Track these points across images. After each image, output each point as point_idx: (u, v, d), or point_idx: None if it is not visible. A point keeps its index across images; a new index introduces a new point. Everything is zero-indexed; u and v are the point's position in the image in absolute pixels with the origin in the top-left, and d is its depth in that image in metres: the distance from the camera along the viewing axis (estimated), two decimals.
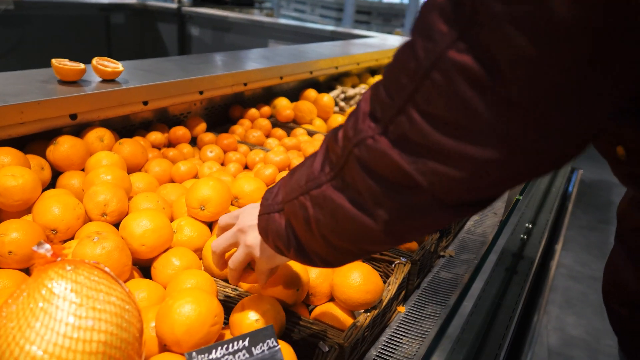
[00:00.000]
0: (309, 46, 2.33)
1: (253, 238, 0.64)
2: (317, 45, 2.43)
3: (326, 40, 3.00)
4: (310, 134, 1.66)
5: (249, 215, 0.65)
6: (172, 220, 0.94)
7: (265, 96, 1.87)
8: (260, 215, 0.60)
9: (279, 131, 1.63)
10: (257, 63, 1.79)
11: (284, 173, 1.15)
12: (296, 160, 1.28)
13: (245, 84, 1.60)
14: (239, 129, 1.59)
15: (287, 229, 0.56)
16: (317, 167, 0.51)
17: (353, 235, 0.49)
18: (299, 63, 1.86)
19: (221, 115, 1.71)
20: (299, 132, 1.64)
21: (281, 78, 1.78)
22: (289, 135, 1.66)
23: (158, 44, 3.68)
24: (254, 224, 0.63)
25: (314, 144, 1.54)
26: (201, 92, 1.43)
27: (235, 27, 3.39)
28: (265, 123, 1.63)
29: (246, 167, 1.37)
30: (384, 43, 2.76)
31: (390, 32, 4.00)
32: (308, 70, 1.93)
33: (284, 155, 1.23)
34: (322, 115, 1.85)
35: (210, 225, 0.93)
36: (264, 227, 0.59)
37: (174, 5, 3.61)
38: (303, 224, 0.53)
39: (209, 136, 1.44)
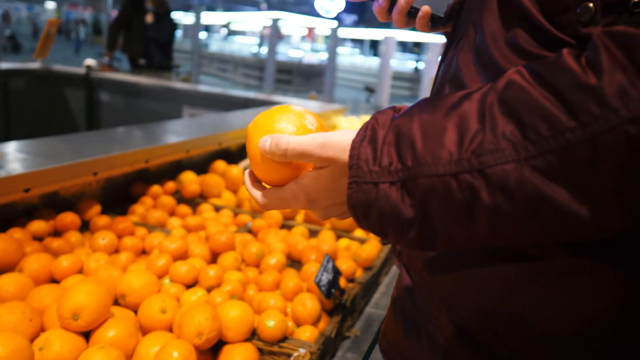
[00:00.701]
0: (219, 116, 2.31)
1: (326, 209, 0.51)
2: (228, 114, 2.41)
3: (241, 107, 3.00)
4: (217, 209, 1.61)
5: (332, 175, 0.47)
6: (43, 331, 0.84)
7: (172, 170, 1.81)
8: (352, 182, 0.44)
9: (184, 208, 1.56)
10: (162, 137, 1.73)
11: (180, 264, 1.08)
12: (195, 247, 1.21)
13: (147, 161, 1.54)
14: (139, 208, 1.51)
15: (407, 208, 0.42)
16: (496, 131, 0.37)
17: (553, 232, 0.38)
18: (207, 136, 1.82)
19: (121, 193, 1.62)
20: (205, 208, 1.58)
21: (187, 151, 1.73)
22: (194, 211, 1.59)
23: (64, 112, 3.52)
24: (334, 199, 0.49)
25: (220, 220, 1.49)
26: (95, 174, 1.34)
27: (148, 93, 3.33)
28: (169, 200, 1.56)
29: (145, 252, 1.29)
30: None
31: (311, 90, 4.10)
32: (217, 142, 1.89)
33: (179, 243, 1.16)
34: (231, 187, 1.80)
35: (88, 334, 0.84)
36: (362, 202, 0.44)
37: (82, 70, 3.49)
38: (457, 210, 0.40)
39: (104, 220, 1.34)
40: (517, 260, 0.46)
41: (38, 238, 1.19)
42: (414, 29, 0.69)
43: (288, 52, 17.98)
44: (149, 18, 4.44)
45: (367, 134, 0.44)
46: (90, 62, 3.59)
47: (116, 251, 1.25)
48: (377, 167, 0.43)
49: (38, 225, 1.20)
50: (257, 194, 0.53)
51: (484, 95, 0.39)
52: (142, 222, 1.43)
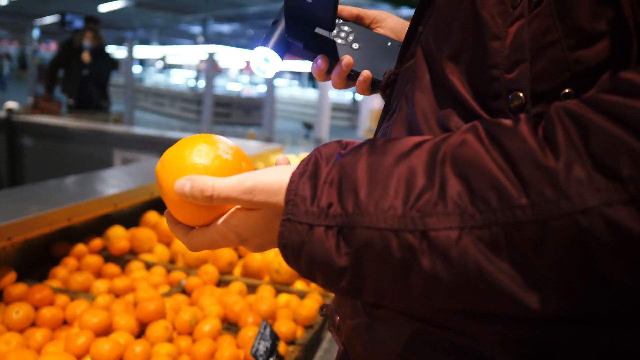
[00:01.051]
0: (151, 162, 2.22)
1: (259, 246, 0.48)
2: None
3: None
4: (149, 266, 1.51)
5: (262, 219, 0.45)
6: None
7: (98, 225, 1.70)
8: (285, 220, 0.41)
9: (112, 268, 1.46)
10: (87, 191, 1.63)
11: (102, 343, 0.99)
12: (121, 318, 1.12)
13: (69, 219, 1.43)
14: (61, 271, 1.40)
15: (342, 257, 0.39)
16: (445, 191, 0.36)
17: (489, 305, 0.36)
18: (137, 188, 1.73)
19: (41, 255, 1.50)
20: (135, 266, 1.49)
21: (115, 205, 1.63)
22: (123, 270, 1.50)
23: None
24: (267, 238, 0.46)
25: (151, 280, 1.40)
26: (10, 238, 1.23)
27: (77, 136, 3.17)
28: (95, 260, 1.46)
29: (66, 323, 1.18)
30: None
31: (250, 124, 4.08)
32: (149, 192, 1.81)
33: (102, 316, 1.07)
34: (164, 240, 1.71)
35: None
36: (293, 242, 0.41)
37: (2, 114, 3.29)
38: (393, 269, 0.38)
39: (19, 289, 1.23)
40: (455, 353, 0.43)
41: None
42: (353, 89, 0.68)
43: (226, 86, 17.94)
44: (86, 56, 4.37)
45: (308, 169, 0.42)
46: (11, 104, 3.40)
47: (34, 324, 1.14)
48: (315, 207, 0.40)
49: None
50: (183, 236, 0.49)
51: (435, 147, 0.38)
52: (64, 288, 1.32)
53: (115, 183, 1.79)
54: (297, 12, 0.58)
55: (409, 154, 0.38)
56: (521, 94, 0.38)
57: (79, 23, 8.45)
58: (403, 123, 0.49)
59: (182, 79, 20.43)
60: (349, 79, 0.63)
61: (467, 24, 0.41)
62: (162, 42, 21.23)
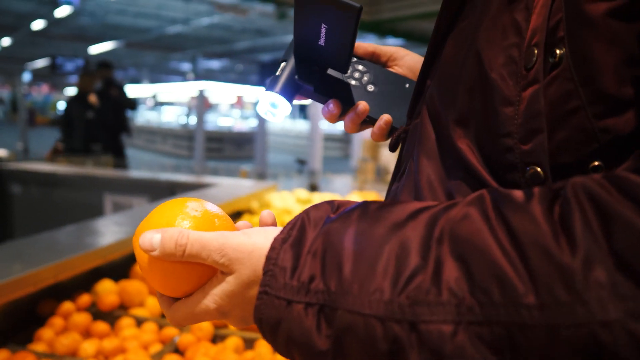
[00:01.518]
0: (141, 210, 2.17)
1: (242, 319, 0.42)
2: (152, 206, 2.27)
3: (167, 195, 2.86)
4: (140, 322, 1.44)
5: (242, 287, 0.40)
6: None
7: (87, 280, 1.63)
8: (262, 292, 0.37)
9: (101, 326, 1.39)
10: (74, 246, 1.56)
11: None
12: None
13: (55, 276, 1.37)
14: (47, 333, 1.32)
15: (322, 339, 0.35)
16: (440, 276, 0.31)
17: None
18: (127, 239, 1.67)
19: (25, 315, 1.43)
20: (125, 323, 1.42)
21: (105, 257, 1.57)
22: (113, 327, 1.42)
23: None
24: (248, 310, 0.41)
25: (142, 339, 1.33)
26: None
27: (66, 182, 3.12)
28: (82, 319, 1.39)
29: None
30: (230, 192, 2.69)
31: (242, 158, 4.04)
32: None
33: None
34: (155, 292, 1.64)
35: None
36: (270, 318, 0.37)
37: None
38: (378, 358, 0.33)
39: (2, 356, 1.16)
40: None
41: None
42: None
43: (217, 121, 18.03)
44: (93, 98, 4.44)
45: (292, 234, 0.38)
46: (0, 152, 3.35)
47: None
48: (295, 281, 0.36)
49: None
50: (166, 310, 0.45)
51: (434, 219, 0.33)
52: (49, 352, 1.24)
53: (104, 234, 1.74)
54: (307, 53, 0.54)
55: (404, 225, 0.34)
56: (539, 169, 0.34)
57: (69, 66, 8.50)
58: (410, 191, 0.45)
59: (173, 116, 20.53)
60: (363, 124, 0.60)
61: (474, 87, 0.37)
62: (153, 80, 21.43)
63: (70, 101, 4.65)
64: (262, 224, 0.47)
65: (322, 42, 0.50)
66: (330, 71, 0.58)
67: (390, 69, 0.61)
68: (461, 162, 0.38)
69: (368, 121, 0.58)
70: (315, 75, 0.57)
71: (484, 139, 0.37)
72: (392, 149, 0.56)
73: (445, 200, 0.40)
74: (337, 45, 0.50)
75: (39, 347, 1.26)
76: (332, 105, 0.57)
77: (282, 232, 0.39)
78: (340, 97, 0.58)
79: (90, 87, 4.54)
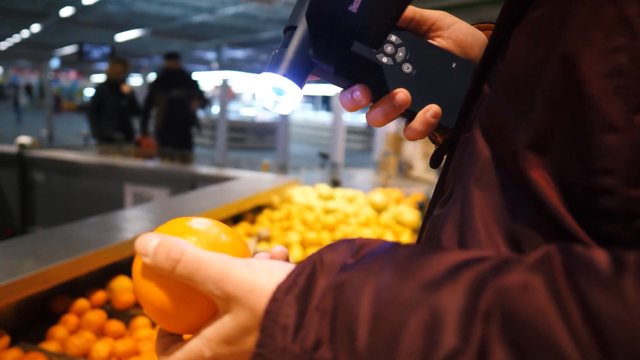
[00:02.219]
0: (160, 204, 2.13)
1: None
2: (172, 201, 2.23)
3: (189, 188, 2.82)
4: (155, 323, 1.40)
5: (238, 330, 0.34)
6: None
7: (103, 276, 1.60)
8: (257, 355, 0.31)
9: (115, 325, 1.35)
10: (90, 242, 1.52)
11: None
12: None
13: (70, 273, 1.33)
14: (60, 331, 1.29)
15: None
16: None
17: None
18: (144, 234, 1.63)
19: (39, 311, 1.40)
20: (140, 323, 1.37)
21: (121, 254, 1.53)
22: (128, 326, 1.38)
23: None
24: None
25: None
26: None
27: (88, 171, 3.11)
28: (97, 317, 1.35)
29: None
30: (251, 186, 2.64)
31: (264, 148, 4.00)
32: None
33: None
34: None
35: None
36: None
37: (14, 149, 3.25)
38: None
39: (13, 355, 1.12)
40: None
41: None
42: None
43: (240, 111, 18.04)
44: (126, 88, 4.46)
45: (299, 283, 0.31)
46: (23, 139, 3.36)
47: None
48: (298, 346, 0.29)
49: None
50: (161, 353, 0.38)
51: (479, 284, 0.25)
52: (61, 353, 1.21)
53: (121, 229, 1.70)
54: (328, 19, 0.39)
55: (439, 286, 0.26)
56: None
57: (96, 53, 8.55)
58: (457, 222, 0.37)
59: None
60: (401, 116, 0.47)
61: (559, 101, 0.28)
62: None
63: (101, 89, 4.58)
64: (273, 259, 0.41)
65: (354, 7, 0.36)
66: (356, 47, 0.43)
67: (432, 41, 0.47)
68: (533, 199, 0.30)
69: (404, 113, 0.46)
70: (337, 50, 0.42)
71: (570, 173, 0.28)
72: (434, 164, 0.47)
73: (503, 245, 0.32)
74: (377, 12, 0.37)
75: (51, 346, 1.23)
76: (358, 93, 0.43)
77: (287, 277, 0.32)
78: (369, 81, 0.44)
79: (122, 75, 4.51)
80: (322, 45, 0.41)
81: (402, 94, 0.43)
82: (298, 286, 0.31)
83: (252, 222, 2.30)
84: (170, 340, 0.38)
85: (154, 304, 0.36)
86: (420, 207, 2.59)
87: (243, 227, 2.15)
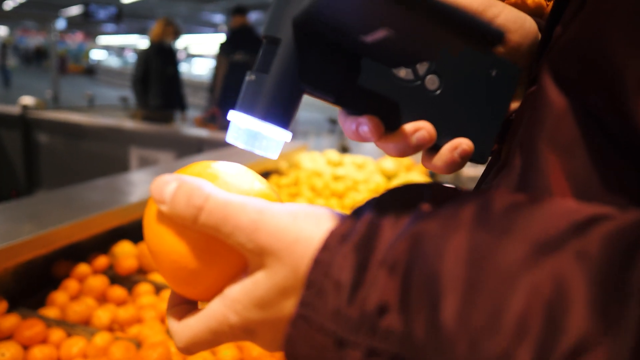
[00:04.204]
0: (166, 166, 2.07)
1: (272, 343, 0.28)
2: (178, 163, 2.17)
3: (195, 152, 2.76)
4: (159, 289, 1.36)
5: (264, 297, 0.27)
6: None
7: (106, 240, 1.55)
8: (299, 318, 0.25)
9: (117, 291, 1.31)
10: (94, 204, 1.47)
11: None
12: None
13: (71, 238, 1.29)
14: (61, 296, 1.25)
15: None
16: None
17: None
18: (147, 198, 1.57)
19: (40, 275, 1.35)
20: (143, 289, 1.33)
21: (124, 218, 1.48)
22: (130, 292, 1.35)
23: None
24: (282, 331, 0.27)
25: (159, 308, 1.24)
26: None
27: (92, 134, 3.05)
28: (99, 283, 1.31)
29: None
30: None
31: None
32: None
33: None
34: None
35: None
36: (307, 358, 0.25)
37: (17, 110, 3.18)
38: None
39: (10, 321, 1.08)
40: None
41: None
42: None
43: None
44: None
45: (358, 230, 0.24)
46: (27, 100, 3.29)
47: None
48: (355, 310, 0.22)
49: None
50: (173, 328, 0.31)
51: (623, 243, 0.19)
52: (60, 320, 1.17)
53: (125, 192, 1.65)
54: (324, 26, 0.27)
55: (563, 245, 0.19)
56: None
57: (102, 14, 8.38)
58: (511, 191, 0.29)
59: (204, 69, 20.38)
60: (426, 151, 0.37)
61: None
62: (185, 32, 21.20)
63: (147, 54, 3.99)
64: None
65: (370, 37, 0.26)
66: (364, 61, 0.32)
67: None
68: None
69: (432, 147, 0.36)
70: (338, 73, 0.31)
71: None
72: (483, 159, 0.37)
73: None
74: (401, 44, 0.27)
75: (51, 312, 1.19)
76: (366, 129, 0.32)
77: (342, 222, 0.25)
78: (381, 110, 0.32)
79: (169, 38, 3.96)
80: (317, 68, 0.30)
81: (424, 132, 0.33)
82: (357, 234, 0.24)
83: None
84: (185, 309, 0.31)
85: (170, 259, 0.29)
86: (432, 174, 2.52)
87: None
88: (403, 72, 0.33)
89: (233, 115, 0.31)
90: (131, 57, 17.99)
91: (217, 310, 0.28)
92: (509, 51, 0.35)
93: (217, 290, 0.29)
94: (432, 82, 0.33)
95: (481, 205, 0.22)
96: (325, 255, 0.24)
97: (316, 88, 0.30)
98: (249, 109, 0.30)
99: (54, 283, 1.33)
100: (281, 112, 0.30)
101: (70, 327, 1.13)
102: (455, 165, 0.33)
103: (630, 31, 0.23)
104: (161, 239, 0.29)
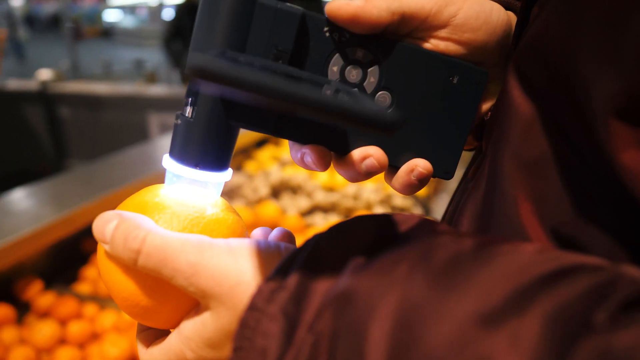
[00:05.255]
0: None
1: None
2: None
3: None
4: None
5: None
6: None
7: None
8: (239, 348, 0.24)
9: None
10: (117, 177, 1.52)
11: None
12: None
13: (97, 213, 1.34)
14: (91, 271, 1.31)
15: None
16: None
17: None
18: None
19: (71, 253, 1.42)
20: None
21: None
22: None
23: (23, 131, 3.27)
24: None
25: None
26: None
27: (109, 103, 3.08)
28: None
29: (97, 337, 1.10)
30: None
31: None
32: None
33: (123, 347, 0.97)
34: None
35: None
36: None
37: (35, 85, 3.22)
38: None
39: (47, 300, 1.15)
40: None
41: None
42: None
43: None
44: None
45: (288, 286, 0.23)
46: (44, 74, 3.33)
47: (63, 341, 1.07)
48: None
49: None
50: (141, 353, 0.32)
51: (567, 331, 0.16)
52: (92, 295, 1.24)
53: (143, 164, 1.68)
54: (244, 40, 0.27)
55: (493, 327, 0.17)
56: None
57: None
58: (479, 207, 0.28)
59: None
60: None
61: None
62: None
63: (180, 12, 3.72)
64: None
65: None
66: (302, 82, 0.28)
67: (425, 45, 0.31)
68: (620, 195, 0.20)
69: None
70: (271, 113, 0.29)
71: None
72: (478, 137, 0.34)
73: (548, 240, 0.23)
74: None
75: (83, 287, 1.26)
76: (309, 160, 0.30)
77: (275, 273, 0.24)
78: (325, 138, 0.30)
79: None
80: (244, 104, 0.28)
81: (372, 160, 0.30)
82: (287, 290, 0.23)
83: (277, 144, 2.26)
84: (152, 334, 0.32)
85: (121, 296, 0.29)
86: None
87: (269, 149, 2.10)
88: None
89: (166, 161, 0.30)
90: (144, 16, 17.74)
91: (174, 345, 0.28)
92: (473, 52, 0.31)
93: (175, 322, 0.30)
94: (382, 99, 0.31)
95: (421, 256, 0.21)
96: (251, 317, 0.23)
97: (248, 124, 0.29)
98: (180, 157, 0.29)
99: (84, 258, 1.40)
100: (213, 156, 0.29)
101: (102, 301, 1.19)
102: (414, 187, 0.31)
103: (601, 41, 0.20)
104: (111, 276, 0.29)
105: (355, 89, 0.30)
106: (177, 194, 0.30)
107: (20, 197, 1.34)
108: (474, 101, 0.31)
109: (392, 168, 0.32)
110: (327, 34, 0.29)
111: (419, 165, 0.31)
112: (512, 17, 0.32)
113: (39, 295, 1.17)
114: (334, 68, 0.30)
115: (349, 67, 0.30)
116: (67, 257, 1.40)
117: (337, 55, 0.30)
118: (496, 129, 0.27)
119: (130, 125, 3.00)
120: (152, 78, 3.85)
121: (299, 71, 0.28)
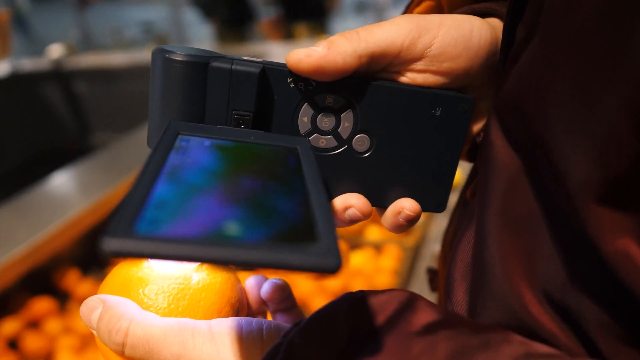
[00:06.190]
0: None
1: None
2: None
3: None
4: None
5: None
6: None
7: None
8: None
9: None
10: (139, 159, 1.53)
11: None
12: None
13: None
14: None
15: None
16: None
17: None
18: None
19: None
20: None
21: None
22: None
23: (42, 112, 3.31)
24: None
25: None
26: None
27: (126, 74, 3.08)
28: None
29: None
30: None
31: None
32: None
33: None
34: None
35: None
36: None
37: (48, 64, 3.22)
38: None
39: (84, 287, 1.20)
40: None
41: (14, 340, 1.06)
42: None
43: None
44: None
45: None
46: (55, 51, 3.31)
47: None
48: None
49: (10, 326, 1.06)
50: None
51: None
52: None
53: None
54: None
55: None
56: None
57: None
58: (467, 257, 0.27)
59: None
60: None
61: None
62: None
63: None
64: (249, 292, 0.33)
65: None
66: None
67: (400, 79, 0.28)
68: (609, 278, 0.18)
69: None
70: None
71: None
72: (471, 158, 0.33)
73: (544, 314, 0.21)
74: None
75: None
76: None
77: None
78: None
79: None
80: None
81: (353, 210, 0.29)
82: None
83: None
84: None
85: None
86: None
87: None
88: (322, 142, 0.29)
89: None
90: None
91: None
92: (456, 79, 0.28)
93: None
94: (360, 143, 0.29)
95: (403, 347, 0.21)
96: None
97: None
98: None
99: None
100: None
101: None
102: (403, 228, 0.30)
103: (574, 116, 0.18)
104: (107, 354, 0.29)
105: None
106: (160, 262, 0.30)
107: (47, 188, 1.38)
108: (461, 130, 0.29)
109: (380, 209, 0.31)
110: (292, 85, 0.27)
111: (406, 207, 0.29)
112: (497, 27, 0.29)
113: (77, 283, 1.21)
114: (304, 119, 0.28)
115: (320, 116, 0.28)
116: (98, 242, 1.44)
117: (305, 104, 0.28)
118: (481, 181, 0.26)
119: (145, 98, 3.00)
120: (164, 39, 3.80)
121: (266, 136, 0.26)
